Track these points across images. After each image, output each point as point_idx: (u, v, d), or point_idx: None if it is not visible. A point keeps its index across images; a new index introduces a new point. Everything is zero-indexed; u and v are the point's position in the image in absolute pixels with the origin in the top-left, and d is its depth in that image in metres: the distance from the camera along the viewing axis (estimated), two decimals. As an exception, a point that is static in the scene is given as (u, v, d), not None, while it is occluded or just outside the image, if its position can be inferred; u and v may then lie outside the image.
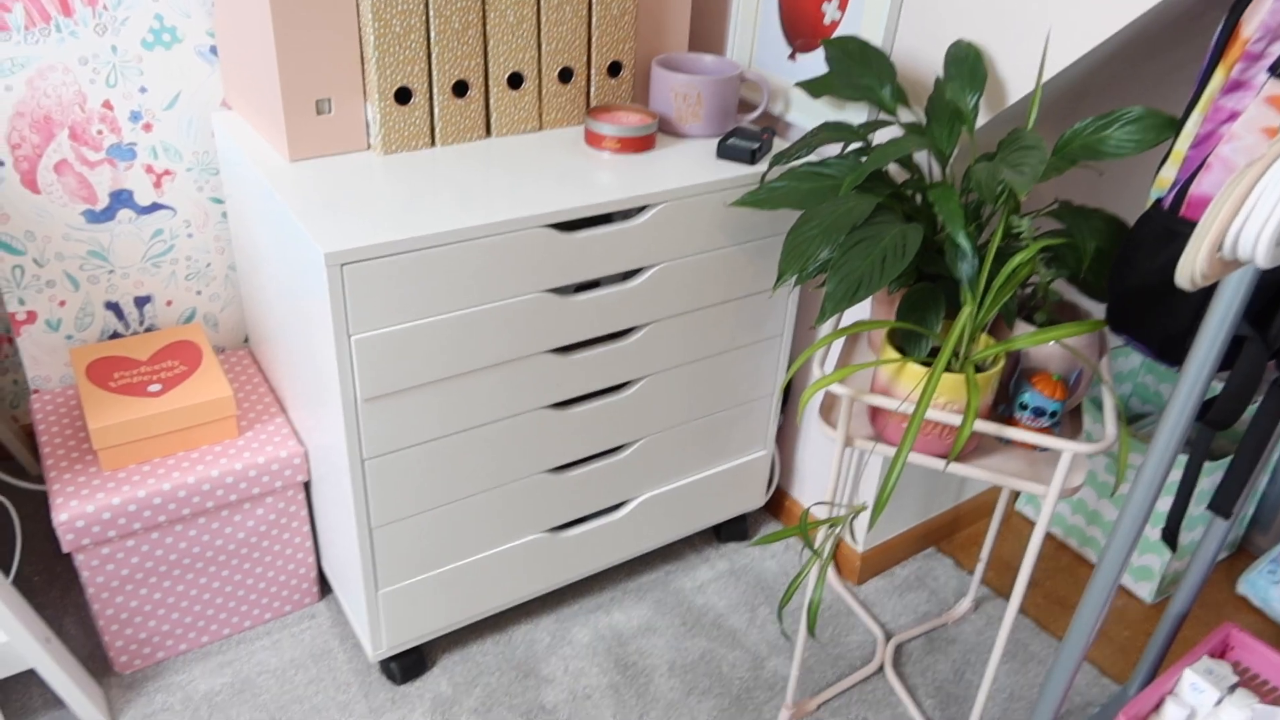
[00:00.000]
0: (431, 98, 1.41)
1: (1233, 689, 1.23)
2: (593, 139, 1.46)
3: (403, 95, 1.38)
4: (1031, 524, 1.99)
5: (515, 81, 1.47)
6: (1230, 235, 0.77)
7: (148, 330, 1.69)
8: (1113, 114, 1.20)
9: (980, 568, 1.70)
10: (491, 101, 1.46)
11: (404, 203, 1.27)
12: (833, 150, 1.57)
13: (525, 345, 1.36)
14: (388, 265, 1.19)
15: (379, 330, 1.22)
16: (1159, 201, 1.03)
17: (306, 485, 1.58)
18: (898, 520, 1.81)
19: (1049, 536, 1.96)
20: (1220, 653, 1.32)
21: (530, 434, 1.44)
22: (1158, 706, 1.24)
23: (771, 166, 1.36)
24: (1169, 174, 1.02)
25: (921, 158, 1.47)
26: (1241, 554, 1.93)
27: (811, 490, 1.85)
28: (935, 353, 1.22)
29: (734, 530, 1.87)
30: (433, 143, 1.44)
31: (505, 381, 1.37)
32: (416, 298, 1.23)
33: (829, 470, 1.79)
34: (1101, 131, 1.20)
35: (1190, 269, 0.80)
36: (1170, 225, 1.00)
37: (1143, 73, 1.59)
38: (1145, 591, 1.80)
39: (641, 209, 1.37)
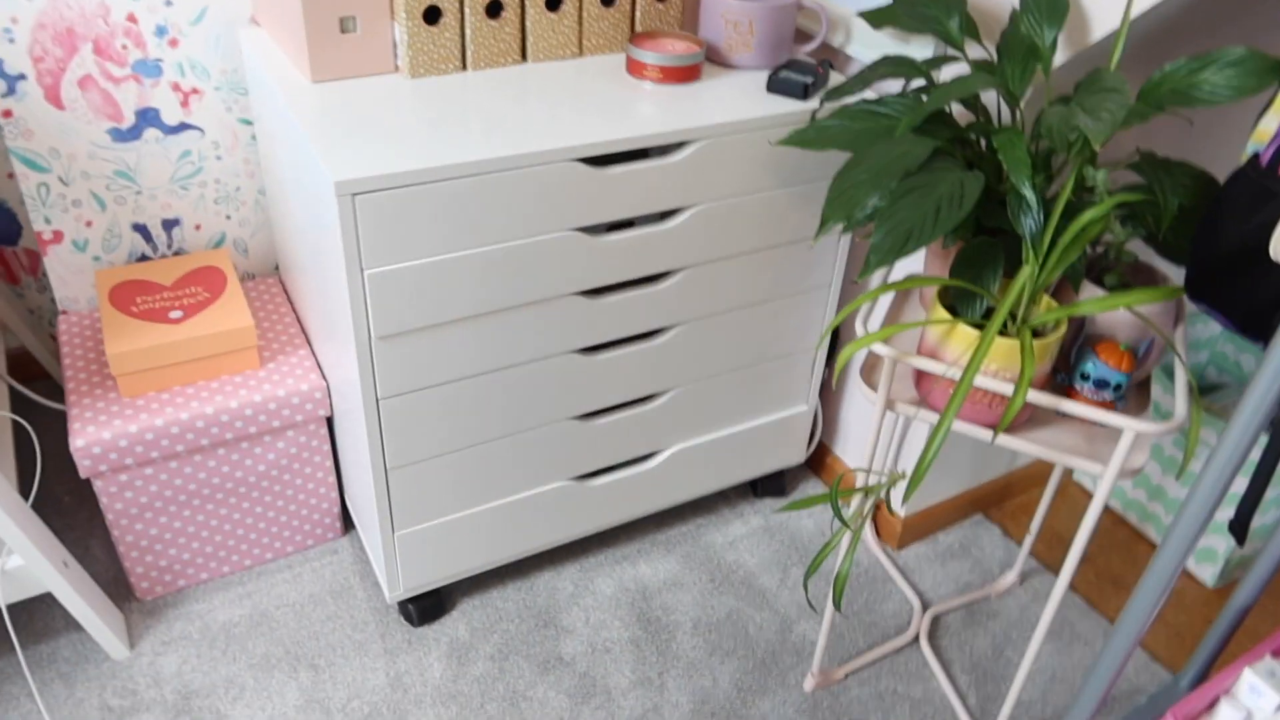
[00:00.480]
0: (463, 18, 1.32)
1: (1296, 693, 1.13)
2: (634, 68, 1.37)
3: (432, 15, 1.30)
4: (1088, 495, 1.88)
5: (554, 3, 1.37)
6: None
7: (176, 254, 1.65)
8: (1209, 55, 1.07)
9: (1030, 539, 1.60)
10: (528, 24, 1.37)
11: (428, 130, 1.20)
12: (893, 87, 1.45)
13: (552, 286, 1.28)
14: (405, 196, 1.12)
15: (394, 265, 1.16)
16: (1256, 157, 0.92)
17: (330, 420, 1.54)
18: (944, 484, 1.72)
19: (1106, 510, 1.85)
20: (1285, 651, 1.22)
21: (556, 379, 1.38)
22: (1211, 706, 1.15)
23: (824, 103, 1.25)
24: (1270, 126, 0.91)
25: (990, 99, 1.35)
26: (1315, 539, 1.81)
27: (855, 449, 1.77)
28: (991, 314, 1.12)
29: (771, 486, 1.80)
30: (464, 66, 1.36)
31: (530, 324, 1.30)
32: (436, 232, 1.16)
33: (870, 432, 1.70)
34: (1195, 75, 1.07)
35: (1288, 236, 0.70)
36: (1268, 184, 0.90)
37: (1249, 19, 1.43)
38: (1207, 575, 1.69)
39: (681, 145, 1.28)
